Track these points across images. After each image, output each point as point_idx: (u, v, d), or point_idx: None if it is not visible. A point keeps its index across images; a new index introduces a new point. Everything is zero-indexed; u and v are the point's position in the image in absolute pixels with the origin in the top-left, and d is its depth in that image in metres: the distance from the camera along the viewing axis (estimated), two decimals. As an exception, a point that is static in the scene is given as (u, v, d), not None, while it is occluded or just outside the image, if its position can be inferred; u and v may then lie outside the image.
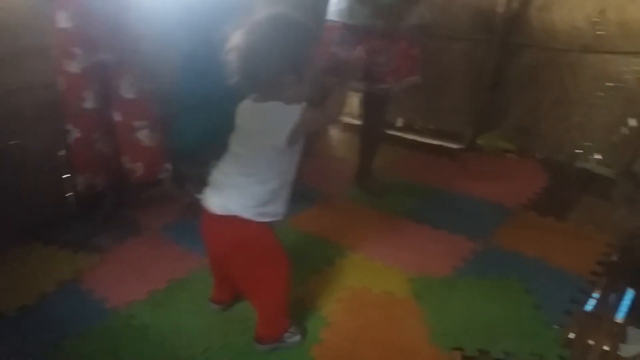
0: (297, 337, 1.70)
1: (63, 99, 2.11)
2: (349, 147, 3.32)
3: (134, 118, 2.16)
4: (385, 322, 1.80)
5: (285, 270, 1.60)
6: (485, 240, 2.31)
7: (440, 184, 2.90)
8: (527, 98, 3.29)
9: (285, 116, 1.42)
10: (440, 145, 3.50)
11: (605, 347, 1.72)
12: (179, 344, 1.69)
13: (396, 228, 2.41)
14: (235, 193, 1.49)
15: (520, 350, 1.67)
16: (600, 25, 2.92)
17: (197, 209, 1.61)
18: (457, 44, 3.46)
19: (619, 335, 1.76)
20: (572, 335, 1.75)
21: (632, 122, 2.93)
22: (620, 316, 1.88)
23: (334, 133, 3.71)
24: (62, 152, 2.30)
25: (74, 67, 2.05)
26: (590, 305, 1.93)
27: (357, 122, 3.48)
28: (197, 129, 2.29)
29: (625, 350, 1.69)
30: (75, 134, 2.15)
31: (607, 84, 2.99)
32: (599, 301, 1.96)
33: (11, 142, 2.14)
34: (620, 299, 1.96)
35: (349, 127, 3.68)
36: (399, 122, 3.74)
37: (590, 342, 1.74)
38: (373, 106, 2.62)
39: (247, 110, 1.52)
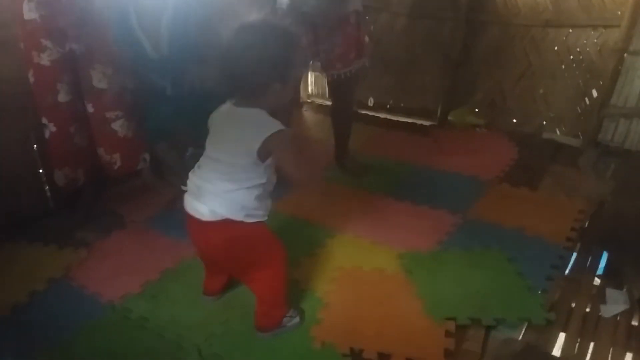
0: (296, 320, 1.73)
1: (35, 93, 2.05)
2: (322, 129, 3.34)
3: (108, 109, 2.12)
4: (379, 298, 1.86)
5: (282, 256, 1.63)
6: (465, 213, 2.40)
7: (416, 160, 2.98)
8: (494, 73, 3.39)
9: (265, 125, 1.42)
10: (413, 123, 3.56)
11: (587, 309, 1.83)
12: (179, 334, 1.70)
13: (380, 206, 2.47)
14: (221, 199, 1.48)
15: (509, 316, 1.76)
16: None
17: (181, 200, 1.59)
18: (423, 22, 3.51)
19: (598, 296, 1.88)
20: (555, 299, 1.86)
21: (594, 92, 3.07)
22: (597, 278, 2.00)
23: (307, 115, 3.72)
24: (35, 147, 2.23)
25: (44, 60, 1.98)
26: (568, 270, 2.05)
27: (327, 102, 3.51)
28: (172, 109, 2.23)
29: (605, 310, 1.81)
30: (51, 128, 2.09)
31: (569, 57, 3.12)
32: (576, 265, 2.08)
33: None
34: (595, 262, 2.08)
35: (320, 109, 3.70)
36: (370, 102, 3.79)
37: (573, 304, 1.85)
38: (336, 90, 2.67)
39: (225, 115, 1.51)
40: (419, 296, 1.86)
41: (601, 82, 2.99)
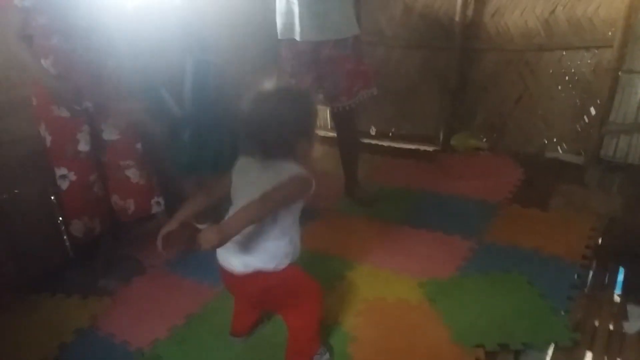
0: (326, 357, 1.74)
1: (54, 144, 2.09)
2: (330, 160, 3.38)
3: (120, 158, 2.20)
4: (407, 329, 1.88)
5: (317, 293, 1.67)
6: (479, 237, 2.43)
7: (424, 186, 3.02)
8: (492, 98, 3.48)
9: (296, 176, 1.49)
10: (417, 149, 3.63)
11: (610, 327, 1.86)
12: (213, 377, 1.71)
13: (395, 235, 2.50)
14: (253, 251, 1.53)
15: (536, 340, 1.78)
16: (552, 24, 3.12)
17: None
18: (419, 52, 3.60)
19: (620, 313, 1.91)
20: (578, 319, 1.88)
21: (592, 110, 3.15)
22: (616, 295, 2.03)
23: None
24: (53, 198, 2.26)
25: (63, 112, 2.04)
26: (587, 288, 2.08)
27: (332, 134, 3.56)
28: (197, 150, 2.36)
29: (629, 327, 1.83)
30: (71, 177, 2.11)
31: (565, 78, 3.20)
32: (595, 283, 2.11)
33: (3, 196, 2.10)
34: (613, 278, 2.12)
35: (325, 140, 3.76)
36: (373, 130, 3.85)
37: (596, 323, 1.87)
38: (340, 122, 2.73)
39: (251, 167, 1.57)
40: (446, 325, 1.87)
41: (598, 101, 3.07)
